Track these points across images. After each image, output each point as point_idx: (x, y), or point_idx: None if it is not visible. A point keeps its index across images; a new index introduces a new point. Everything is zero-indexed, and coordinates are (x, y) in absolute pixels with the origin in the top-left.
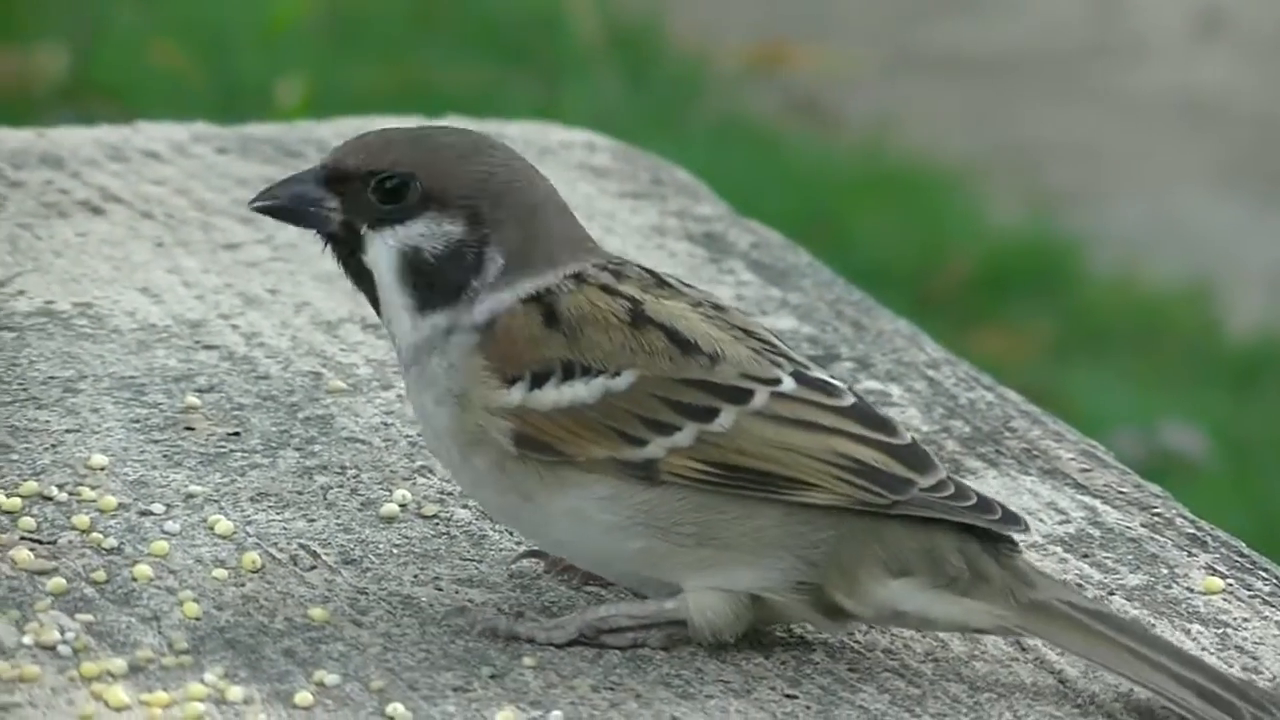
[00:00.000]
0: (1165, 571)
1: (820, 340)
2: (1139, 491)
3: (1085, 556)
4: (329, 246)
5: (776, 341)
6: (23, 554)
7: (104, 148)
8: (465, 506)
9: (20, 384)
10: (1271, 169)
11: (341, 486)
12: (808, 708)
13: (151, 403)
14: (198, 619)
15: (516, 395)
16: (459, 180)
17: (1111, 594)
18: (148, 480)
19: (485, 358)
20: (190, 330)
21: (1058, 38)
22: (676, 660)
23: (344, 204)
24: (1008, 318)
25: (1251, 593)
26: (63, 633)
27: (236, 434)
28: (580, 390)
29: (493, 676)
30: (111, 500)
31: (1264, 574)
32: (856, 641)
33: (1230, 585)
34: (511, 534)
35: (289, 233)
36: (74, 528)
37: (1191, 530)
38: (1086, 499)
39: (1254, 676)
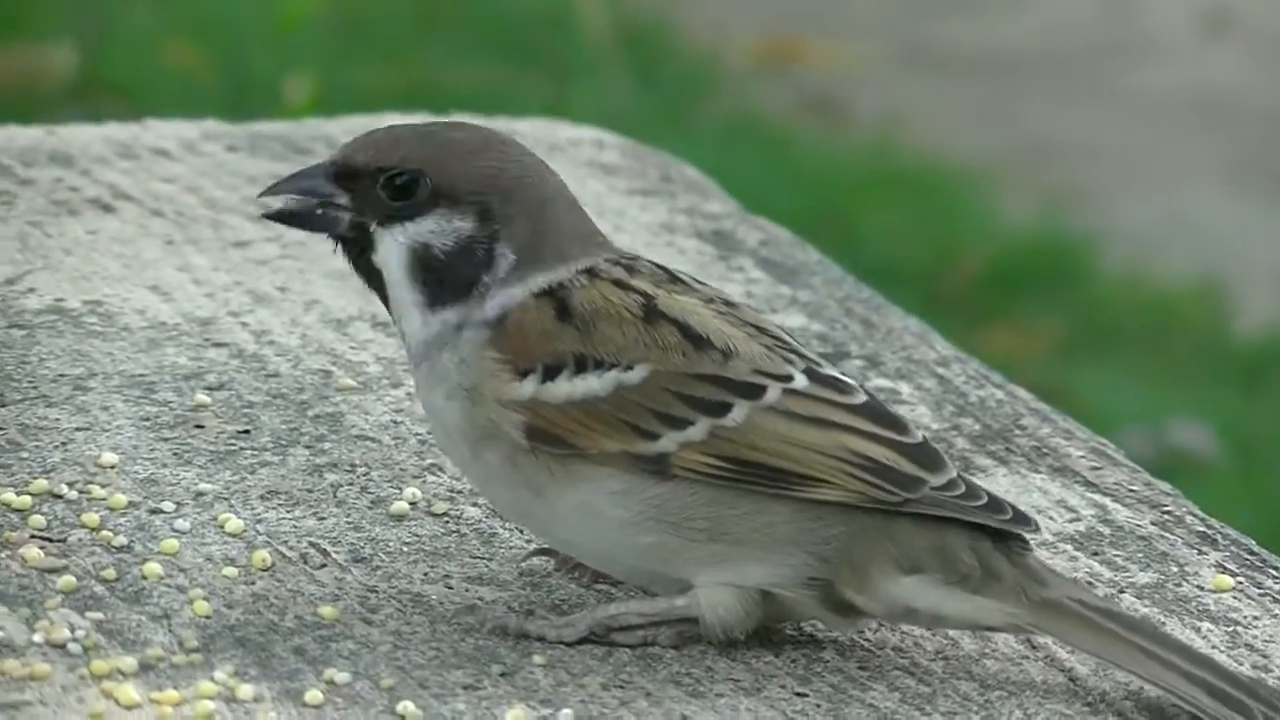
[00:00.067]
0: (1175, 569)
1: (830, 338)
2: (1149, 489)
3: (1095, 554)
4: (340, 247)
5: (788, 338)
6: (33, 552)
7: (114, 145)
8: (475, 504)
9: (30, 382)
10: None
11: (351, 484)
12: (818, 706)
13: (161, 401)
14: (208, 617)
15: (529, 387)
16: (469, 176)
17: (1122, 592)
18: (158, 478)
19: (497, 351)
20: (200, 328)
21: (1067, 36)
22: (687, 658)
23: (353, 200)
24: (1017, 315)
25: (1262, 591)
26: (73, 631)
27: (246, 432)
28: (593, 383)
29: (503, 674)
30: (121, 498)
31: (1274, 572)
32: (866, 639)
33: (1240, 583)
34: (522, 532)
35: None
36: (84, 526)
37: (1201, 528)
38: (1096, 497)
39: (1264, 675)
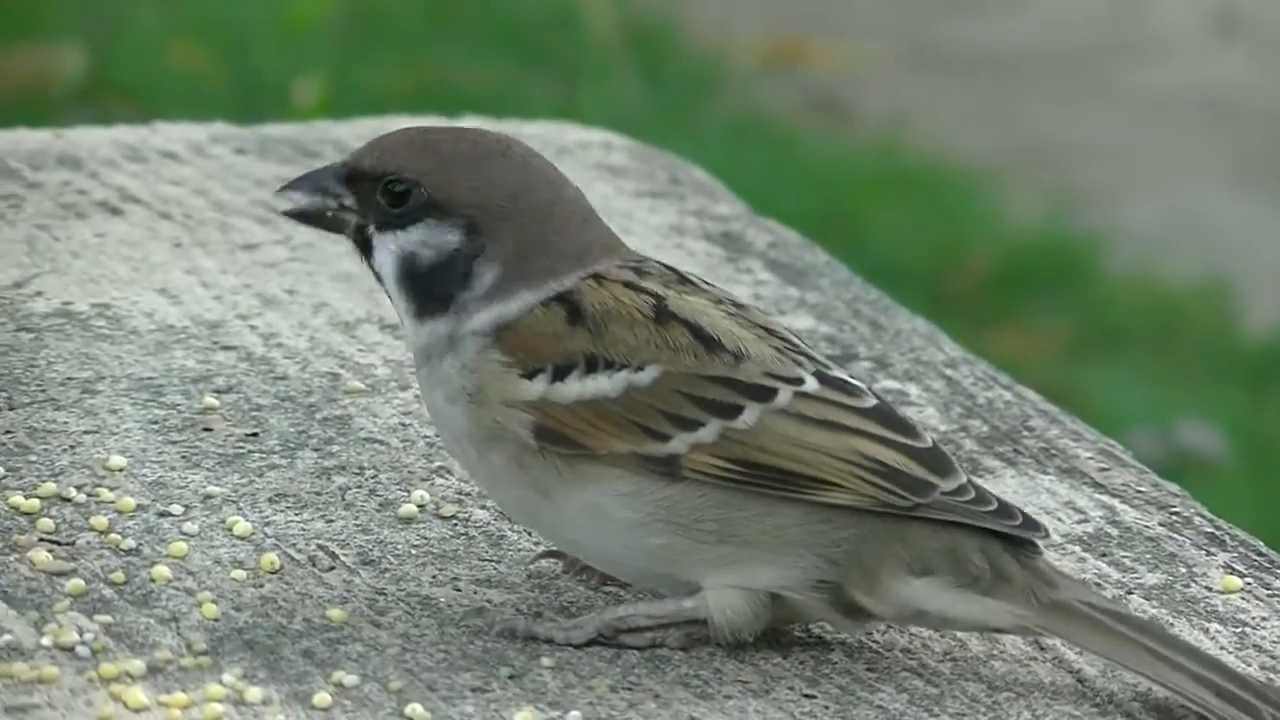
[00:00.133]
0: (1183, 570)
1: (838, 339)
2: (1157, 490)
3: (1103, 556)
4: (354, 248)
5: (797, 341)
6: (41, 555)
7: (122, 148)
8: (483, 507)
9: (38, 385)
10: None
11: (360, 487)
12: (826, 707)
13: (170, 403)
14: (216, 620)
15: (539, 387)
16: (463, 189)
17: (1130, 593)
18: (166, 481)
19: (502, 353)
20: (208, 331)
21: (1074, 36)
22: (695, 660)
23: (358, 203)
24: (1025, 316)
25: (1270, 592)
26: (81, 634)
27: (255, 435)
28: (603, 383)
29: (511, 677)
30: (130, 501)
31: None
32: (875, 641)
33: (1249, 584)
34: (530, 534)
35: (307, 233)
36: (92, 529)
37: (1210, 529)
38: (1104, 498)
39: (1273, 676)
